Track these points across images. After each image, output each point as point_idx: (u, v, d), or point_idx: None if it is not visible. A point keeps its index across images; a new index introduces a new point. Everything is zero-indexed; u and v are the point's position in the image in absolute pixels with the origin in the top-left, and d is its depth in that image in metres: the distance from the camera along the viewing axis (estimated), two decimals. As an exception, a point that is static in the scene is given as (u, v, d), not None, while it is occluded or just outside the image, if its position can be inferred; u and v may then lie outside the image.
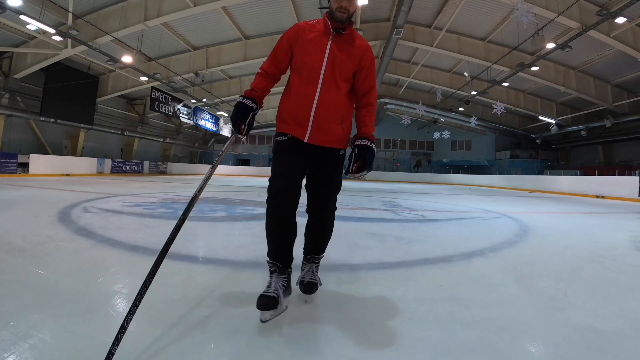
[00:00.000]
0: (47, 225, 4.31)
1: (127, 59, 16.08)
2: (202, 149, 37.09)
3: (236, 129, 2.18)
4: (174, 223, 1.94)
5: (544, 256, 3.74)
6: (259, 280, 2.59)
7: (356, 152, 2.16)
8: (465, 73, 18.92)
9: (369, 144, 2.16)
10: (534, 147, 30.57)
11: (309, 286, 2.22)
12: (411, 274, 2.91)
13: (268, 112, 31.57)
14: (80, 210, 5.64)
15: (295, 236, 2.21)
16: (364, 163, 2.13)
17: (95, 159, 20.59)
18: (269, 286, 2.06)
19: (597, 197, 14.47)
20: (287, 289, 2.13)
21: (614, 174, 16.38)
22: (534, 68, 17.06)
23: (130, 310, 1.59)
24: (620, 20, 12.38)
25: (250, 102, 2.19)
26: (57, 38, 13.70)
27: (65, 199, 7.30)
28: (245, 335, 1.77)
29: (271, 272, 2.14)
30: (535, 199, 13.46)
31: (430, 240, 4.46)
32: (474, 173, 30.55)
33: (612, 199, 13.69)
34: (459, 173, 31.93)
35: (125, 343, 1.49)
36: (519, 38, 15.27)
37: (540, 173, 26.80)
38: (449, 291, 2.51)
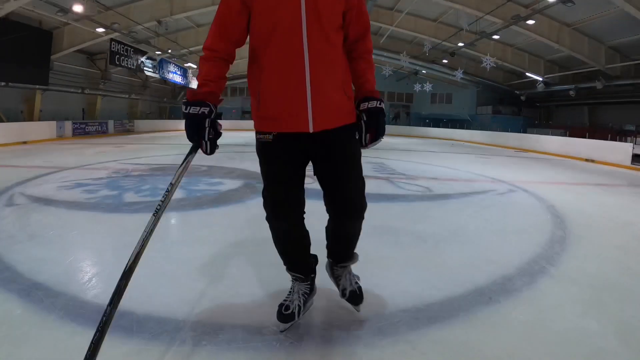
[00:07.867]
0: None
1: (78, 8, 14.12)
2: (172, 104, 35.05)
3: (197, 147, 1.62)
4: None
5: (612, 269, 2.95)
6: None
7: (365, 118, 1.74)
8: (460, 21, 17.62)
9: (377, 104, 1.75)
10: (516, 104, 29.93)
11: (356, 298, 1.96)
12: (468, 336, 1.94)
13: (239, 62, 29.56)
14: (3, 203, 4.63)
15: (309, 244, 1.94)
16: (377, 129, 1.74)
17: (54, 123, 18.45)
18: (289, 294, 1.90)
19: (587, 160, 14.04)
20: (312, 292, 1.97)
21: (602, 138, 15.93)
22: (530, 22, 16.02)
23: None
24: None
25: (199, 109, 1.57)
26: (-2, -11, 11.74)
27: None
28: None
29: (293, 280, 1.94)
30: (526, 159, 13.20)
31: (461, 239, 3.59)
32: (455, 127, 29.85)
33: (602, 163, 13.20)
34: (438, 127, 31.21)
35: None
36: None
37: (524, 131, 26.27)
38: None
